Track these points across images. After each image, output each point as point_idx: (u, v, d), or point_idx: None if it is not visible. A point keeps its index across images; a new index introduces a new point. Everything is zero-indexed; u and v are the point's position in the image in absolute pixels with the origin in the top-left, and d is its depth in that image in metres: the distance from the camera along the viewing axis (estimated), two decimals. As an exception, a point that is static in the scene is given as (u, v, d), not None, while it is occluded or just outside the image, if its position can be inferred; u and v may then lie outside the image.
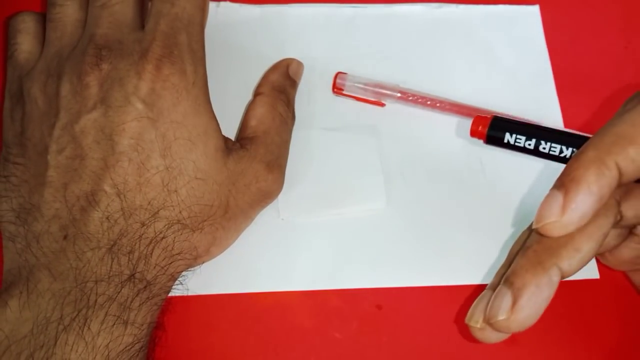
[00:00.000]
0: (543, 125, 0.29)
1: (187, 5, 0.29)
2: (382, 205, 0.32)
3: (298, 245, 0.31)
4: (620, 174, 0.21)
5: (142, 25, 0.29)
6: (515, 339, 0.30)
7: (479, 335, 0.22)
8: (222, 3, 0.37)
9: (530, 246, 0.22)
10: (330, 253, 0.31)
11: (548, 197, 0.21)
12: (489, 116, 0.30)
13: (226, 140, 0.30)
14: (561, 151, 0.28)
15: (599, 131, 0.22)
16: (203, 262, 0.30)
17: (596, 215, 0.21)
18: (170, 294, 0.28)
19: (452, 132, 0.34)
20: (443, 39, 0.37)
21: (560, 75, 0.36)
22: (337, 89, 0.35)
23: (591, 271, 0.31)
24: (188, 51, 0.28)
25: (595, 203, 0.21)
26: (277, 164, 0.30)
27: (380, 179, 0.33)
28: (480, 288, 0.31)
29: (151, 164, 0.27)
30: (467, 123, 0.34)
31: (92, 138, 0.26)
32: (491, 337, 0.22)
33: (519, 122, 0.30)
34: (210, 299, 0.30)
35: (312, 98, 0.35)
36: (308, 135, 0.34)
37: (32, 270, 0.25)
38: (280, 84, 0.33)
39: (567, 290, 0.31)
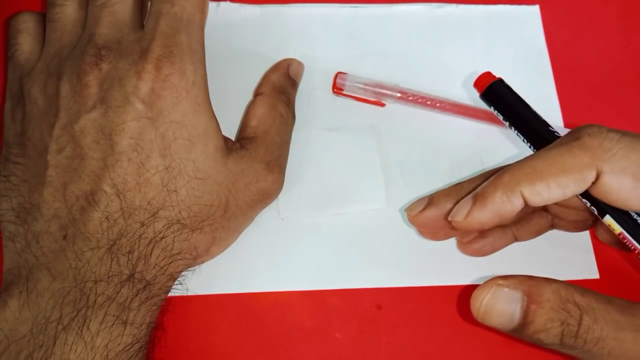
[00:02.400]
0: (536, 115, 0.29)
1: (186, 5, 0.29)
2: (382, 205, 0.32)
3: (298, 245, 0.31)
4: (526, 201, 0.25)
5: (141, 25, 0.29)
6: (515, 339, 0.30)
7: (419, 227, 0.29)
8: (222, 3, 0.37)
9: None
10: (330, 253, 0.31)
11: (463, 200, 0.26)
12: (495, 78, 0.30)
13: (226, 140, 0.30)
14: (526, 142, 0.29)
15: (523, 159, 0.26)
16: (203, 262, 0.30)
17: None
18: (170, 294, 0.28)
19: (453, 132, 0.34)
20: (443, 39, 0.37)
21: (560, 75, 0.36)
22: (337, 89, 0.35)
23: (591, 271, 0.31)
24: (188, 51, 0.28)
25: (492, 219, 0.25)
26: (277, 164, 0.30)
27: (380, 179, 0.33)
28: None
29: (151, 164, 0.27)
30: (467, 123, 0.34)
31: (92, 138, 0.26)
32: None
33: (511, 100, 0.30)
34: (210, 299, 0.30)
35: (312, 98, 0.35)
36: (308, 135, 0.34)
37: (32, 270, 0.25)
38: (281, 84, 0.33)
39: (567, 290, 0.31)
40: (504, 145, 0.34)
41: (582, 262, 0.32)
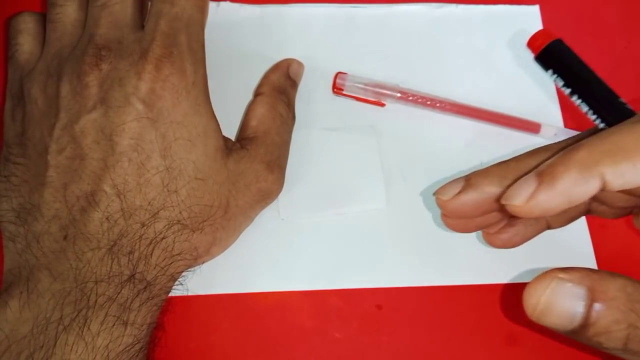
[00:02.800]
0: (602, 83, 0.26)
1: (186, 5, 0.29)
2: (382, 205, 0.32)
3: (298, 245, 0.31)
4: (605, 184, 0.20)
5: (142, 25, 0.29)
6: (515, 339, 0.30)
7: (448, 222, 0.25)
8: (222, 3, 0.37)
9: (577, 146, 0.21)
10: (330, 253, 0.31)
11: (524, 179, 0.21)
12: (553, 37, 0.27)
13: (226, 140, 0.30)
14: (591, 114, 0.26)
15: (602, 133, 0.21)
16: (203, 262, 0.30)
17: None
18: (170, 294, 0.28)
19: (452, 132, 0.34)
20: (443, 39, 0.37)
21: (560, 75, 0.36)
22: (337, 89, 0.35)
23: (591, 271, 0.31)
24: (188, 51, 0.28)
25: (563, 203, 0.21)
26: (277, 164, 0.30)
27: (380, 179, 0.33)
28: (480, 288, 0.31)
29: (151, 165, 0.27)
30: (467, 123, 0.34)
31: (92, 138, 0.26)
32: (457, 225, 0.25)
33: (572, 63, 0.27)
34: (210, 299, 0.30)
35: (312, 98, 0.35)
36: (308, 135, 0.34)
37: (32, 270, 0.25)
38: (281, 85, 0.33)
39: (567, 290, 0.31)
40: (504, 145, 0.34)
41: (582, 262, 0.32)
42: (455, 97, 0.34)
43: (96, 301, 0.24)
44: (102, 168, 0.26)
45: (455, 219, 0.26)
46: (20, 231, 0.26)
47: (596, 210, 0.27)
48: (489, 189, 0.24)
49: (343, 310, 0.30)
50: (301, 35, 0.37)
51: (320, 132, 0.34)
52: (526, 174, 0.22)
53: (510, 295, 0.31)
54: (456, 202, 0.25)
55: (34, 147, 0.28)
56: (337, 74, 0.35)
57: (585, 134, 0.25)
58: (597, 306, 0.19)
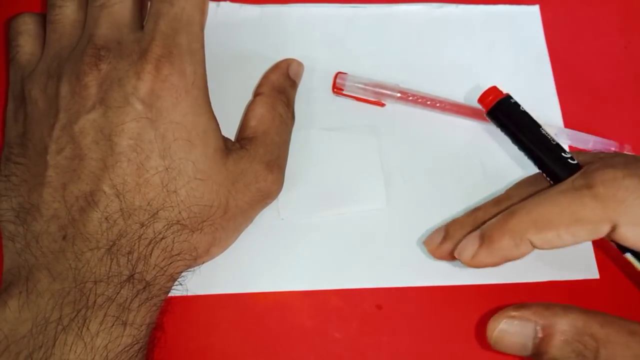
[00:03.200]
0: (547, 138, 0.28)
1: (186, 6, 0.29)
2: (382, 205, 0.32)
3: (298, 245, 0.31)
4: (534, 246, 0.25)
5: (141, 26, 0.29)
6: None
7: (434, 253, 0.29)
8: (222, 3, 0.37)
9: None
10: (330, 253, 0.31)
11: (469, 237, 0.26)
12: (503, 94, 0.30)
13: (226, 140, 0.30)
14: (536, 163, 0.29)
15: (531, 202, 0.25)
16: (203, 263, 0.30)
17: None
18: (169, 294, 0.28)
19: (452, 132, 0.34)
20: (443, 39, 0.37)
21: (560, 75, 0.36)
22: (337, 89, 0.35)
23: (591, 271, 0.31)
24: (187, 51, 0.28)
25: (498, 262, 0.26)
26: (276, 164, 0.30)
27: (380, 179, 0.33)
28: (480, 288, 0.31)
29: (150, 165, 0.27)
30: (467, 123, 0.34)
31: (91, 138, 0.26)
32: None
33: (517, 121, 0.29)
34: (210, 299, 0.30)
35: (312, 98, 0.35)
36: (308, 135, 0.34)
37: (32, 270, 0.25)
38: (281, 85, 0.33)
39: (567, 290, 0.31)
40: (504, 145, 0.34)
41: (582, 262, 0.32)
42: (455, 97, 0.34)
43: (95, 301, 0.24)
44: (101, 168, 0.26)
45: (444, 260, 0.30)
46: (20, 231, 0.26)
47: None
48: (461, 237, 0.28)
49: (343, 310, 0.30)
50: (301, 35, 0.37)
51: (320, 132, 0.34)
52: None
53: (510, 295, 0.31)
54: (439, 251, 0.29)
55: (34, 147, 0.28)
56: (337, 74, 0.35)
57: (531, 180, 0.30)
58: (546, 339, 0.23)
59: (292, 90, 0.34)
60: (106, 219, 0.26)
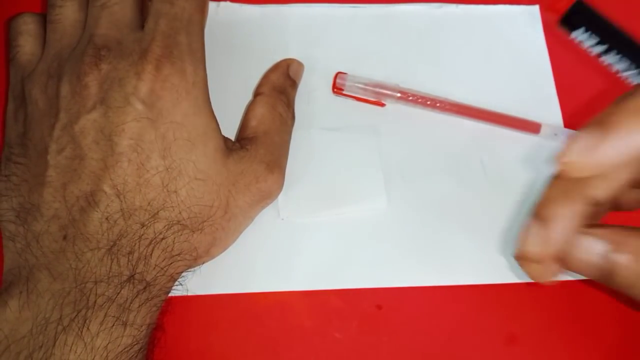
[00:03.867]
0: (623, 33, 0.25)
1: (186, 5, 0.29)
2: (382, 205, 0.32)
3: (298, 245, 0.31)
4: None
5: (141, 25, 0.29)
6: (515, 339, 0.30)
7: (529, 271, 0.23)
8: (222, 3, 0.37)
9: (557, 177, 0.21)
10: (330, 253, 0.31)
11: (578, 135, 0.20)
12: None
13: (226, 140, 0.30)
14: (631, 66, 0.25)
15: None
16: (203, 263, 0.30)
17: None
18: (169, 294, 0.28)
19: (452, 132, 0.34)
20: (443, 39, 0.37)
21: (560, 76, 0.36)
22: (337, 89, 0.35)
23: (591, 271, 0.31)
24: (188, 51, 0.28)
25: (627, 153, 0.20)
26: (277, 164, 0.30)
27: (380, 178, 0.33)
28: (480, 288, 0.31)
29: (151, 165, 0.27)
30: (467, 123, 0.34)
31: (92, 138, 0.26)
32: (538, 271, 0.23)
33: (597, 20, 0.26)
34: (210, 299, 0.30)
35: (312, 98, 0.35)
36: (308, 135, 0.34)
37: (32, 270, 0.25)
38: (281, 85, 0.33)
39: (567, 290, 0.31)
40: (504, 145, 0.34)
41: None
42: (455, 97, 0.34)
43: (95, 301, 0.24)
44: (102, 168, 0.26)
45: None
46: (20, 231, 0.26)
47: (628, 203, 0.25)
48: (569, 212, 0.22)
49: (343, 310, 0.30)
50: (301, 35, 0.37)
51: (320, 132, 0.34)
52: None
53: (510, 295, 0.31)
54: (546, 248, 0.22)
55: (34, 147, 0.28)
56: (337, 74, 0.35)
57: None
58: (620, 257, 0.20)
59: (293, 90, 0.34)
60: (107, 219, 0.26)
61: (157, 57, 0.27)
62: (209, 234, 0.28)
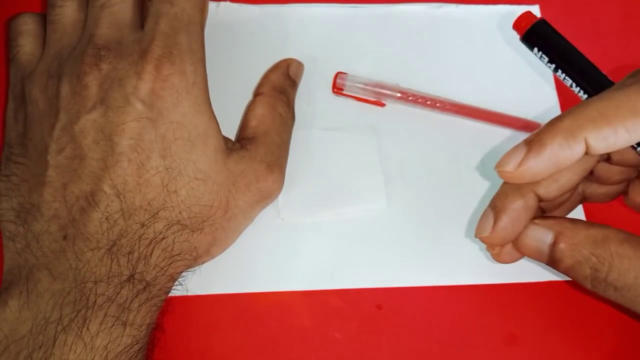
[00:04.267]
0: (584, 58, 0.27)
1: (186, 5, 0.29)
2: (382, 205, 0.32)
3: (298, 245, 0.31)
4: (588, 148, 0.23)
5: (141, 25, 0.29)
6: (515, 339, 0.30)
7: (490, 251, 0.27)
8: (222, 3, 0.37)
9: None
10: (330, 253, 0.31)
11: (515, 147, 0.24)
12: (538, 18, 0.28)
13: (226, 140, 0.30)
14: (574, 86, 0.27)
15: (585, 102, 0.23)
16: (203, 263, 0.30)
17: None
18: (170, 294, 0.28)
19: (452, 132, 0.34)
20: (443, 39, 0.37)
21: (560, 75, 0.36)
22: (337, 89, 0.35)
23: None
24: (188, 51, 0.28)
25: (550, 167, 0.23)
26: (277, 164, 0.30)
27: (380, 178, 0.33)
28: (480, 288, 0.31)
29: (151, 165, 0.27)
30: (467, 123, 0.34)
31: (92, 138, 0.26)
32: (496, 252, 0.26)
33: (555, 40, 0.28)
34: (210, 299, 0.30)
35: (312, 98, 0.35)
36: (308, 135, 0.34)
37: (32, 270, 0.25)
38: (281, 84, 0.33)
39: (567, 290, 0.31)
40: (504, 145, 0.34)
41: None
42: (455, 97, 0.34)
43: (95, 301, 0.24)
44: (102, 168, 0.26)
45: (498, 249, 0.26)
46: (20, 230, 0.26)
47: (591, 196, 0.29)
48: (515, 205, 0.25)
49: (343, 310, 0.30)
50: (301, 35, 0.37)
51: (320, 132, 0.34)
52: None
53: (510, 295, 0.31)
54: (496, 236, 0.25)
55: (34, 147, 0.28)
56: (337, 74, 0.35)
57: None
58: (560, 246, 0.24)
59: (293, 90, 0.34)
60: (107, 219, 0.26)
61: (157, 57, 0.27)
62: (209, 234, 0.28)
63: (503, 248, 0.26)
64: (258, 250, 0.31)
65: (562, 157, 0.23)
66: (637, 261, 0.22)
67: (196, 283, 0.30)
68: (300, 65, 0.35)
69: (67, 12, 0.30)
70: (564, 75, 0.28)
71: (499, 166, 0.24)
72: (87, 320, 0.24)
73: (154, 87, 0.27)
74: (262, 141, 0.30)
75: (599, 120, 0.22)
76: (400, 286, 0.31)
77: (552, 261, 0.24)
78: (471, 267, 0.31)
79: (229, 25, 0.37)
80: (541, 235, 0.24)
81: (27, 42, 0.31)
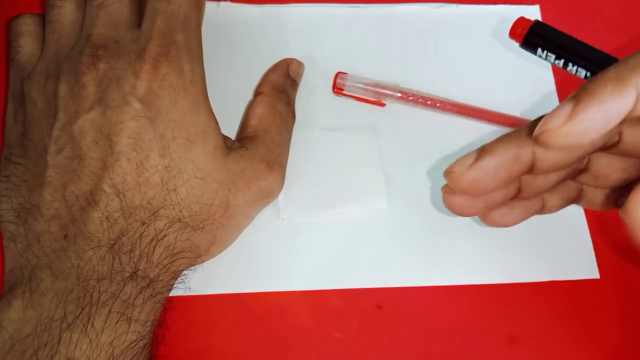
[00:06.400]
0: (583, 43, 0.27)
1: (183, 3, 0.29)
2: (382, 205, 0.32)
3: (298, 245, 0.31)
4: (638, 97, 0.20)
5: (138, 24, 0.29)
6: (515, 339, 0.30)
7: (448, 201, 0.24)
8: (222, 3, 0.37)
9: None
10: (330, 253, 0.31)
11: (558, 106, 0.21)
12: (532, 20, 0.27)
13: (226, 139, 0.30)
14: (586, 76, 0.27)
15: (628, 56, 0.21)
16: (203, 262, 0.30)
17: None
18: (171, 294, 0.28)
19: (452, 132, 0.34)
20: (443, 39, 0.37)
21: (560, 76, 0.36)
22: (337, 89, 0.35)
23: (591, 271, 0.31)
24: (185, 50, 0.28)
25: (603, 121, 0.20)
26: (277, 163, 0.30)
27: (380, 178, 0.33)
28: (480, 288, 0.31)
29: (150, 164, 0.27)
30: (467, 123, 0.34)
31: (91, 138, 0.27)
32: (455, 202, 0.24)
33: (557, 36, 0.27)
34: (210, 298, 0.30)
35: (312, 98, 0.35)
36: (308, 135, 0.34)
37: (34, 270, 0.25)
38: (281, 84, 0.33)
39: (567, 290, 0.31)
40: (504, 145, 0.34)
41: (583, 261, 0.32)
42: (455, 97, 0.34)
43: (99, 298, 0.24)
44: (101, 167, 0.26)
45: (461, 197, 0.24)
46: (21, 231, 0.26)
47: (585, 196, 0.27)
48: (509, 153, 0.23)
49: (343, 310, 0.30)
50: (301, 35, 0.37)
51: (320, 132, 0.34)
52: None
53: (510, 295, 0.31)
54: (473, 171, 0.23)
55: (34, 147, 0.28)
56: (337, 74, 0.35)
57: None
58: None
59: (293, 89, 0.34)
60: (107, 217, 0.26)
61: (154, 55, 0.27)
62: (209, 232, 0.28)
63: (459, 194, 0.24)
64: (258, 250, 0.31)
65: (615, 106, 0.20)
66: None
67: (197, 282, 0.30)
68: (300, 64, 0.35)
69: (66, 12, 0.30)
70: (575, 67, 0.27)
71: (540, 127, 0.21)
72: (91, 317, 0.24)
73: (151, 86, 0.27)
74: (262, 140, 0.30)
75: None
76: (401, 286, 0.31)
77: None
78: (471, 267, 0.31)
79: (229, 25, 0.37)
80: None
81: (27, 42, 0.31)
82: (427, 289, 0.31)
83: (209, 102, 0.29)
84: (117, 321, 0.24)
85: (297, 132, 0.33)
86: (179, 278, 0.28)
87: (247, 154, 0.29)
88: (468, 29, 0.37)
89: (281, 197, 0.32)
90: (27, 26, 0.31)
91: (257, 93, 0.32)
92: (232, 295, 0.30)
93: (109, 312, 0.24)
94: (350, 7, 0.37)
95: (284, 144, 0.32)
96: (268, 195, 0.30)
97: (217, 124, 0.29)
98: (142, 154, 0.27)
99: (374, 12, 0.37)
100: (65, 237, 0.26)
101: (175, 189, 0.27)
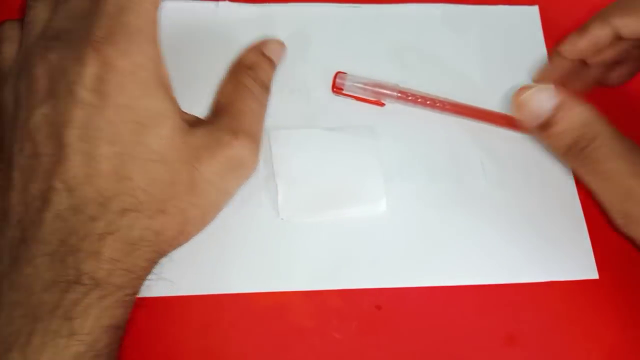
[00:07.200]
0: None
1: None
2: (382, 205, 0.32)
3: (298, 245, 0.31)
4: (616, 31, 0.31)
5: None
6: (515, 339, 0.30)
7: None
8: (221, 3, 0.37)
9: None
10: (330, 253, 0.31)
11: (571, 34, 0.32)
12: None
13: (188, 118, 0.29)
14: None
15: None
16: (180, 245, 0.28)
17: None
18: (169, 295, 0.28)
19: (452, 132, 0.34)
20: (443, 39, 0.37)
21: (559, 75, 0.36)
22: (336, 89, 0.35)
23: (590, 271, 0.31)
24: (134, 31, 0.26)
25: (589, 44, 0.32)
26: (242, 130, 0.29)
27: (380, 179, 0.33)
28: (480, 288, 0.31)
29: (99, 153, 0.25)
30: (467, 123, 0.34)
31: (44, 133, 0.25)
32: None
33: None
34: (210, 299, 0.30)
35: (312, 98, 0.35)
36: (307, 135, 0.34)
37: (1, 281, 0.24)
38: (249, 61, 0.32)
39: (567, 290, 0.31)
40: (504, 145, 0.34)
41: (582, 262, 0.32)
42: (455, 97, 0.34)
43: (41, 311, 0.23)
44: (53, 163, 0.25)
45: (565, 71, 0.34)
46: None
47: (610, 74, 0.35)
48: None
49: (343, 310, 0.30)
50: (301, 35, 0.36)
51: (320, 132, 0.34)
52: None
53: (510, 295, 0.31)
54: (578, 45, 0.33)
55: (6, 150, 0.27)
56: (337, 74, 0.35)
57: None
58: (561, 114, 0.27)
59: (266, 66, 0.33)
60: (58, 217, 0.24)
61: (98, 39, 0.26)
62: (177, 215, 0.27)
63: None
64: (258, 250, 0.31)
65: (599, 37, 0.32)
66: (614, 140, 0.27)
67: (196, 283, 0.30)
68: (279, 44, 0.34)
69: (38, 12, 0.28)
70: None
71: (562, 45, 0.33)
72: (31, 335, 0.23)
73: (97, 72, 0.25)
74: (226, 111, 0.30)
75: (625, 10, 0.31)
76: (400, 286, 0.31)
77: (546, 124, 0.28)
78: (471, 267, 0.31)
79: (228, 25, 0.36)
80: (550, 97, 0.28)
81: (10, 48, 0.29)
82: (426, 289, 0.31)
83: (165, 84, 0.27)
84: (56, 336, 0.23)
85: (297, 132, 0.33)
86: (152, 270, 0.27)
87: (210, 127, 0.28)
88: (467, 29, 0.37)
89: (281, 197, 0.32)
90: (11, 31, 0.30)
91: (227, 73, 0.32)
92: (232, 295, 0.30)
93: (48, 327, 0.23)
94: (349, 6, 0.37)
95: (250, 112, 0.30)
96: (240, 165, 0.29)
97: (175, 104, 0.28)
98: (91, 144, 0.25)
99: (374, 11, 0.37)
100: (24, 242, 0.24)
101: (129, 177, 0.26)
